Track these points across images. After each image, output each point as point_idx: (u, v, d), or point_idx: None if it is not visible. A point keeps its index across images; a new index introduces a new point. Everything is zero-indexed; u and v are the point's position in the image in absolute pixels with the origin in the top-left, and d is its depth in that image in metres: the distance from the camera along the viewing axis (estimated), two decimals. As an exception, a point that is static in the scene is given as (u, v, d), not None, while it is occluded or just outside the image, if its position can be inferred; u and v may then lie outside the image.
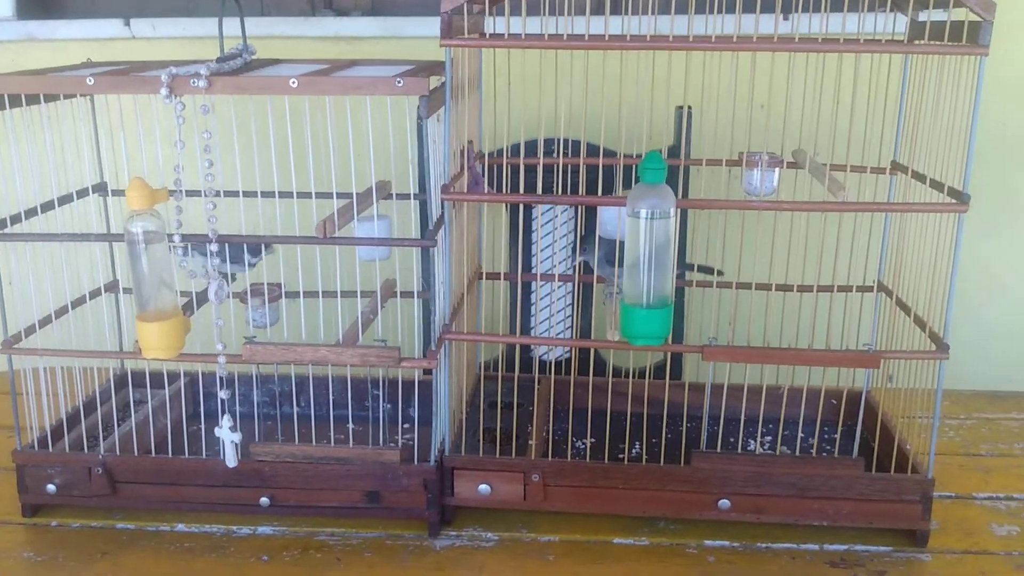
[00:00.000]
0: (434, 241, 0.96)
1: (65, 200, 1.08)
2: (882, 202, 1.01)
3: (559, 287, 1.56)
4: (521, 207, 1.34)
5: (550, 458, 1.03)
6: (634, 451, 1.13)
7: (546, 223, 1.55)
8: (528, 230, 1.43)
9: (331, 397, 1.17)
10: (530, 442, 1.07)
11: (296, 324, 1.07)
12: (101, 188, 1.18)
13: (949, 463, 1.17)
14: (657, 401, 1.16)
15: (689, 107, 1.57)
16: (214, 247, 0.97)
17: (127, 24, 1.71)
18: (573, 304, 1.46)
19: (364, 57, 1.69)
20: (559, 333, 1.61)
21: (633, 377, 1.19)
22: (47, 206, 1.04)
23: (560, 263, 1.58)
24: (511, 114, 1.12)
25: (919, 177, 1.04)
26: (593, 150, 1.29)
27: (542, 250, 1.55)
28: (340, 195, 1.00)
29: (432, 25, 1.38)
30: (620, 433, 1.13)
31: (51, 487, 1.03)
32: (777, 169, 1.12)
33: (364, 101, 0.96)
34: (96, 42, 1.72)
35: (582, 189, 1.10)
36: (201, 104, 0.92)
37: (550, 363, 1.26)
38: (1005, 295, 1.79)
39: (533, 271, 1.42)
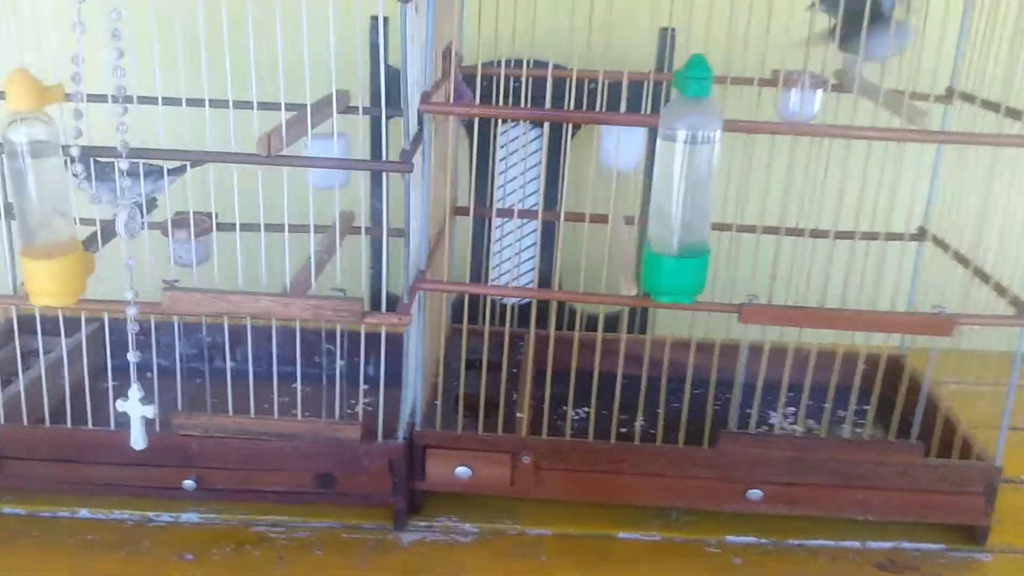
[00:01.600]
0: (411, 165, 0.75)
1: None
2: (973, 132, 0.82)
3: (525, 223, 1.37)
4: (486, 128, 1.13)
5: (544, 434, 0.85)
6: (637, 424, 0.95)
7: (513, 152, 1.35)
8: (489, 158, 1.23)
9: (274, 351, 0.97)
10: (519, 414, 0.88)
11: (231, 264, 0.86)
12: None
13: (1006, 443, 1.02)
14: (653, 362, 0.98)
15: (673, 29, 1.39)
16: (124, 164, 0.75)
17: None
18: (539, 244, 1.28)
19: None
20: (525, 275, 1.43)
21: (605, 329, 0.99)
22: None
23: (527, 196, 1.39)
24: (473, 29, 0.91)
25: (991, 106, 0.86)
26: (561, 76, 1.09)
27: (508, 182, 1.36)
28: (289, 106, 0.79)
29: None
30: (612, 401, 0.94)
31: (-86, 464, 0.82)
32: (819, 91, 0.93)
33: None
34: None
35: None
36: (105, -25, 0.70)
37: (511, 308, 1.07)
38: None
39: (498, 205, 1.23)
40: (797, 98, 0.92)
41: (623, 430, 0.93)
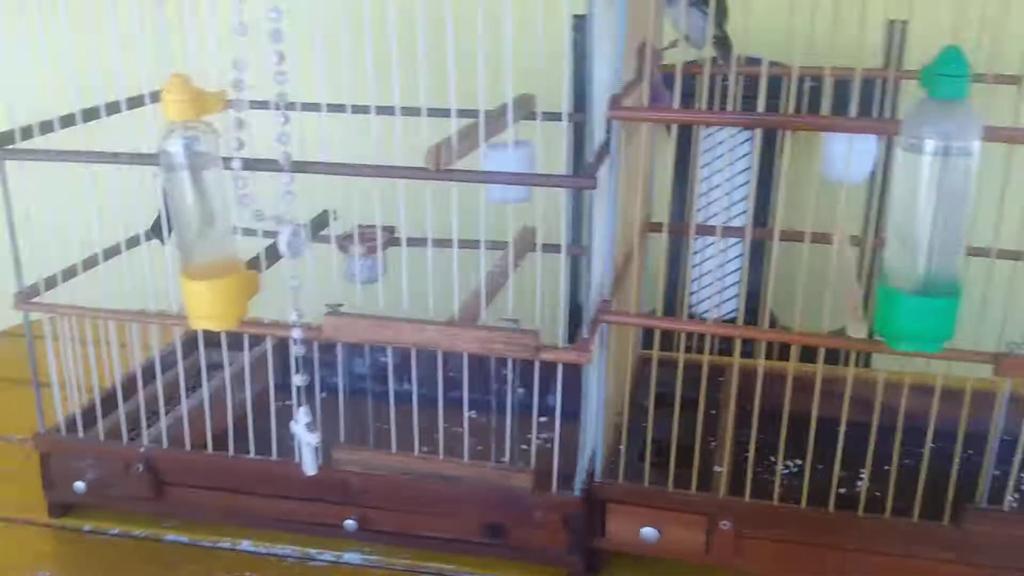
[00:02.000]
0: (594, 180, 0.65)
1: (113, 110, 0.82)
2: None
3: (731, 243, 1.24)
4: (687, 130, 1.00)
5: (747, 494, 0.72)
6: (857, 484, 0.80)
7: (719, 156, 1.22)
8: (690, 164, 1.11)
9: (442, 374, 0.89)
10: (717, 468, 0.76)
11: (399, 280, 0.79)
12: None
13: None
14: (884, 408, 0.82)
15: (904, 21, 1.23)
16: (286, 178, 0.69)
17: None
18: (746, 266, 1.14)
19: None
20: (728, 302, 1.29)
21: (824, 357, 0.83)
22: (90, 115, 0.79)
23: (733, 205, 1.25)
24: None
25: None
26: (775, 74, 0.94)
27: (711, 189, 1.23)
28: (462, 112, 0.71)
29: None
30: (832, 454, 0.79)
31: (80, 484, 0.80)
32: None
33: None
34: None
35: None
36: (268, -28, 0.64)
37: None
38: None
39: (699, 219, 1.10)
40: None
41: (843, 490, 0.79)
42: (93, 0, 0.75)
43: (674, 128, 0.75)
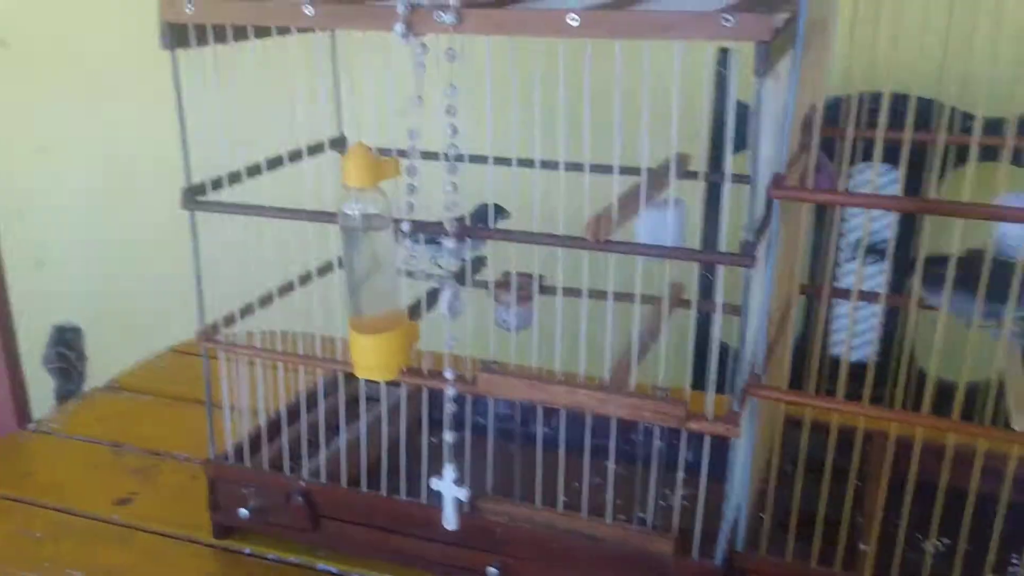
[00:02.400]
0: (752, 259, 0.66)
1: (295, 157, 0.87)
2: None
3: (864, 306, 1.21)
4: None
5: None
6: (1010, 570, 0.78)
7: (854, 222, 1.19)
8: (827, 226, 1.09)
9: (589, 423, 0.91)
10: (862, 546, 0.75)
11: (549, 325, 0.82)
12: (340, 144, 0.97)
13: None
14: None
15: None
16: (451, 243, 0.72)
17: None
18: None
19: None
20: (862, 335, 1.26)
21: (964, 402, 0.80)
22: (274, 163, 0.84)
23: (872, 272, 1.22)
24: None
25: None
26: (926, 107, 0.90)
27: (852, 231, 1.20)
28: (623, 170, 0.73)
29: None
30: (986, 533, 0.77)
31: (243, 511, 0.85)
32: None
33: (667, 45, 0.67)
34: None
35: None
36: (446, 48, 0.67)
37: (848, 366, 0.90)
38: None
39: (836, 282, 1.08)
40: None
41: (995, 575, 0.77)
42: (279, 60, 0.79)
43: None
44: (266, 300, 0.85)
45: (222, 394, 0.85)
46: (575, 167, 0.80)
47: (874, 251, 0.84)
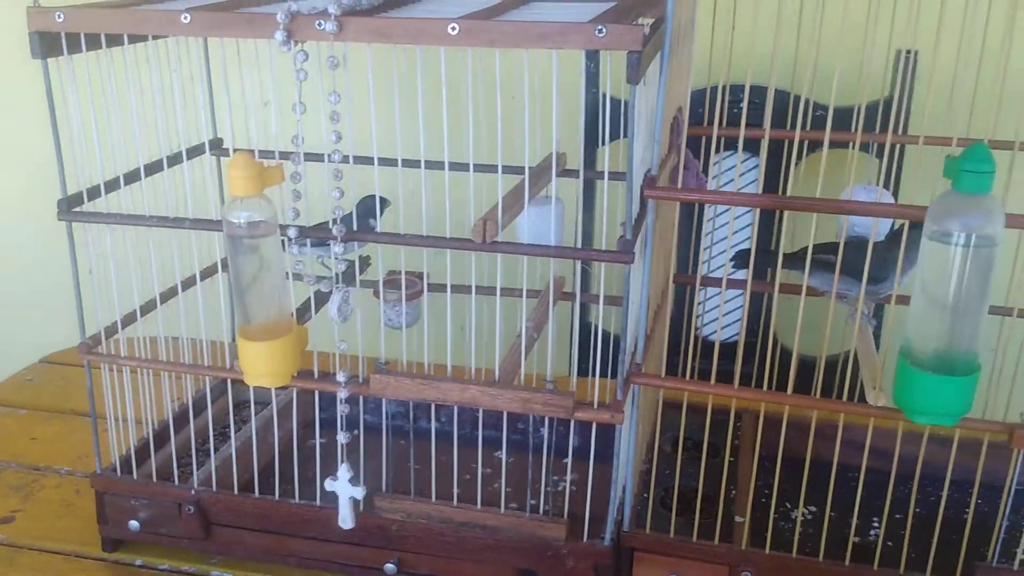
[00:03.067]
0: (631, 256, 0.69)
1: (175, 161, 0.86)
2: None
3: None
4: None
5: (767, 546, 0.76)
6: (871, 533, 0.85)
7: (728, 182, 1.25)
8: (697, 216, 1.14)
9: (480, 415, 0.93)
10: (738, 519, 0.81)
11: (438, 321, 0.83)
12: (217, 146, 0.96)
13: None
14: (901, 457, 0.85)
15: (915, 52, 1.24)
16: (338, 248, 0.73)
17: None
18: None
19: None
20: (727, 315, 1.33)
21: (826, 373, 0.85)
22: (152, 168, 0.83)
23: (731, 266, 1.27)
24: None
25: None
26: (781, 97, 0.96)
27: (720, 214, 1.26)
28: (506, 169, 0.75)
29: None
30: (848, 499, 0.83)
31: (133, 523, 0.84)
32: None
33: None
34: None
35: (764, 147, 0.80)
36: (328, 56, 0.68)
37: (716, 345, 0.96)
38: None
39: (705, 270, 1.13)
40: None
41: (857, 539, 0.83)
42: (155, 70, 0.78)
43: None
44: (149, 308, 0.84)
45: (105, 405, 0.83)
46: (461, 167, 0.83)
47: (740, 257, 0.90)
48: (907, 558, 0.75)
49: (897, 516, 0.84)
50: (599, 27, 0.63)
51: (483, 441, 0.85)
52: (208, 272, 0.89)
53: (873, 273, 0.77)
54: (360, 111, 0.71)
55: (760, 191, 0.85)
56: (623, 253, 0.69)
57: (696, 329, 1.02)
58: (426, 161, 0.86)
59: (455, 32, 0.65)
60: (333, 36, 0.67)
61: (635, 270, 0.71)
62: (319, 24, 0.67)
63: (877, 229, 0.78)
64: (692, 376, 0.84)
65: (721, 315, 1.05)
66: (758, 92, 1.16)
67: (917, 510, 0.85)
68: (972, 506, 0.80)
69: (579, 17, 0.69)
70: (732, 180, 1.24)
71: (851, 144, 0.83)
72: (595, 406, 0.73)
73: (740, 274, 1.11)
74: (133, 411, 0.84)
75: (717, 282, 0.88)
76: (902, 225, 0.79)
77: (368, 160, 0.79)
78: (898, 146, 0.96)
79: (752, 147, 1.21)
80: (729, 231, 1.19)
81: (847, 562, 0.75)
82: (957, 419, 0.66)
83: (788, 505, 0.88)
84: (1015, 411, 0.74)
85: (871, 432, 0.74)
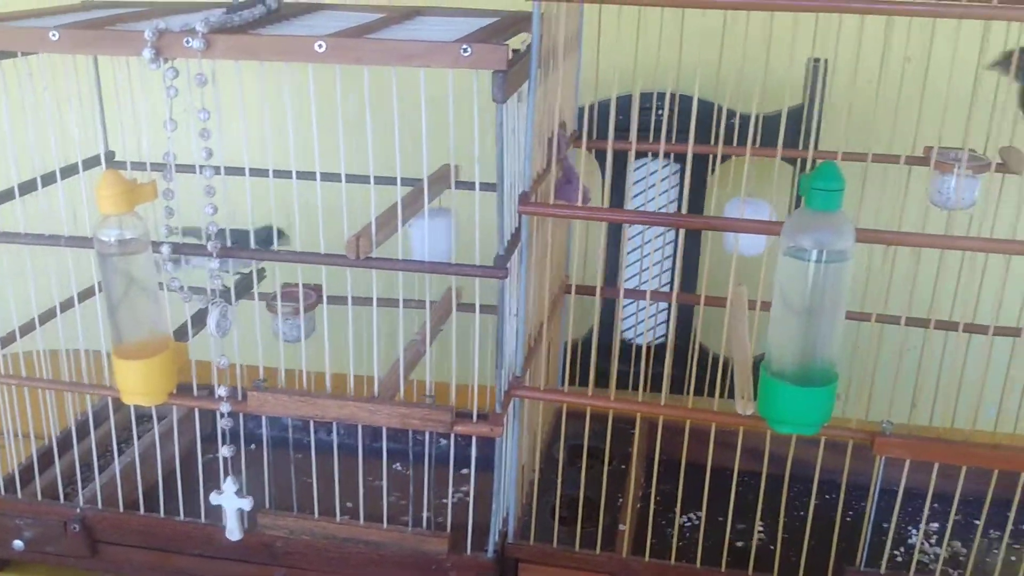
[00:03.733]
0: (505, 271, 0.70)
1: (49, 180, 0.84)
2: None
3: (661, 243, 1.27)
4: (621, 162, 1.04)
5: (646, 554, 0.78)
6: (754, 537, 0.86)
7: (650, 187, 1.27)
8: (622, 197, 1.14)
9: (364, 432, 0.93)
10: (621, 527, 0.82)
11: (332, 334, 0.83)
12: (110, 159, 0.95)
13: None
14: (775, 458, 0.87)
15: (824, 60, 1.27)
16: (214, 264, 0.73)
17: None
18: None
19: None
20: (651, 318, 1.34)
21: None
22: (26, 187, 0.81)
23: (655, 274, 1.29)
24: (600, 66, 0.84)
25: None
26: (704, 108, 0.98)
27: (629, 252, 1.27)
28: (379, 180, 0.75)
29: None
30: (742, 505, 0.85)
31: (18, 543, 0.83)
32: (980, 176, 0.82)
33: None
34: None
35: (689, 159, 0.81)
36: (196, 73, 0.67)
37: (642, 349, 0.97)
38: None
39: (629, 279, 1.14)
40: (953, 184, 0.81)
41: (739, 544, 0.85)
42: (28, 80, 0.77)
43: (608, 159, 0.78)
44: (28, 328, 0.82)
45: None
46: (356, 179, 0.82)
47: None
48: (785, 561, 0.77)
49: (784, 519, 0.86)
50: (464, 47, 0.64)
51: (371, 454, 0.85)
52: (88, 292, 0.87)
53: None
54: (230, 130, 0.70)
55: (684, 200, 0.86)
56: (497, 269, 0.70)
57: (622, 334, 1.03)
58: (321, 174, 0.85)
59: (322, 50, 0.65)
60: (201, 54, 0.67)
61: (510, 284, 0.72)
62: (187, 42, 0.66)
63: (754, 243, 0.81)
64: (599, 384, 0.84)
65: (646, 322, 1.06)
66: (682, 101, 1.17)
67: (800, 513, 0.87)
68: (839, 508, 0.82)
69: (458, 34, 0.70)
70: (653, 187, 1.26)
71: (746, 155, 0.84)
72: (474, 419, 0.74)
73: (664, 287, 1.13)
74: (21, 429, 0.83)
75: (641, 294, 0.89)
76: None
77: (263, 173, 0.78)
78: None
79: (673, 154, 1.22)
80: (642, 240, 1.22)
81: (723, 567, 0.77)
82: (817, 428, 0.67)
83: (675, 512, 0.89)
84: (876, 412, 0.77)
85: (741, 438, 0.75)
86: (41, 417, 0.85)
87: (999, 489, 0.75)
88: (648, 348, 1.04)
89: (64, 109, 0.79)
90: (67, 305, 0.84)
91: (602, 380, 0.86)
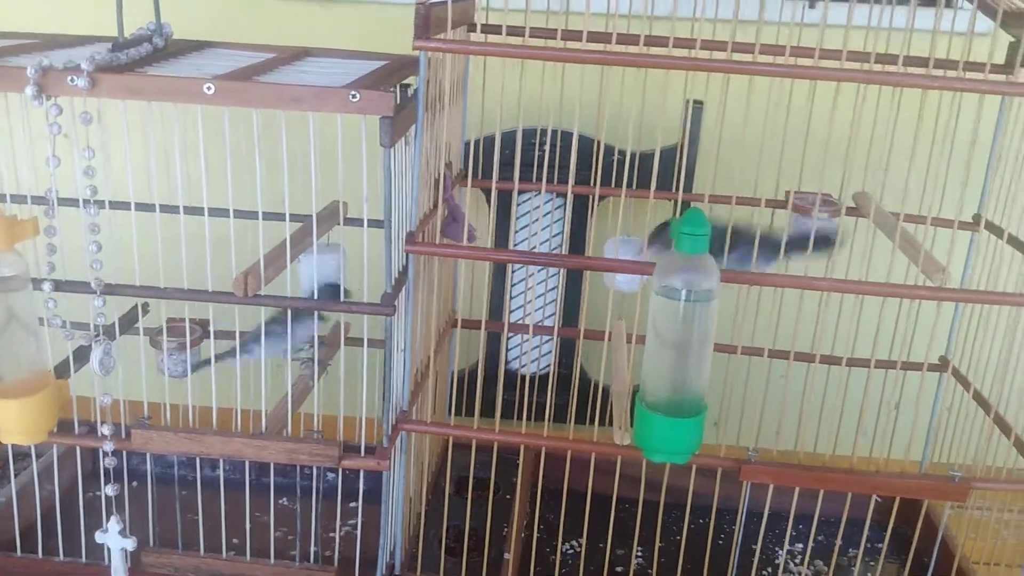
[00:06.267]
0: (392, 308, 0.72)
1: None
2: (994, 292, 0.75)
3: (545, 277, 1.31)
4: (506, 199, 1.08)
5: (530, 581, 0.81)
6: (633, 562, 0.90)
7: (535, 220, 1.31)
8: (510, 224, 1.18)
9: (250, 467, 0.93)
10: (506, 556, 0.84)
11: (218, 368, 0.83)
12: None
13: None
14: (651, 485, 0.91)
15: (699, 102, 1.34)
16: (99, 302, 0.72)
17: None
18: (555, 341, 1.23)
19: (329, 37, 1.42)
20: (537, 348, 1.38)
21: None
22: None
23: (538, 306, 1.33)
24: (486, 104, 0.88)
25: (1018, 245, 0.81)
26: (587, 144, 1.03)
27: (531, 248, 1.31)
28: (268, 216, 0.76)
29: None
30: (622, 530, 0.89)
31: None
32: (836, 218, 0.88)
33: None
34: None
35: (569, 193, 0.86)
36: (81, 112, 0.67)
37: (529, 379, 1.00)
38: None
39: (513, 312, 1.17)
40: (810, 225, 0.87)
41: (619, 569, 0.89)
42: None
43: (493, 194, 0.80)
44: None
45: None
46: (245, 215, 0.83)
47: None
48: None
49: (660, 545, 0.90)
50: (352, 93, 0.66)
51: (260, 489, 0.85)
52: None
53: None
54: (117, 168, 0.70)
55: (565, 238, 0.90)
56: (384, 306, 0.72)
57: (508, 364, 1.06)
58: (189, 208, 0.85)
59: (211, 92, 0.66)
60: (86, 92, 0.67)
61: (397, 321, 0.74)
62: (71, 80, 0.66)
63: (630, 280, 0.85)
64: (487, 413, 0.87)
65: (529, 353, 1.09)
66: (564, 137, 1.21)
67: (676, 537, 0.91)
68: (710, 532, 0.87)
69: (347, 77, 0.72)
70: (536, 221, 1.30)
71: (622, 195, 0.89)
72: (362, 453, 0.75)
73: (548, 321, 1.17)
74: None
75: (525, 328, 0.92)
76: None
77: (149, 208, 0.78)
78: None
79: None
80: (526, 273, 1.25)
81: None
82: (688, 456, 0.72)
83: (558, 540, 0.92)
84: (746, 438, 0.81)
85: (619, 465, 0.79)
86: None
87: (856, 509, 0.81)
88: (532, 378, 1.08)
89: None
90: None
91: (489, 409, 0.89)
